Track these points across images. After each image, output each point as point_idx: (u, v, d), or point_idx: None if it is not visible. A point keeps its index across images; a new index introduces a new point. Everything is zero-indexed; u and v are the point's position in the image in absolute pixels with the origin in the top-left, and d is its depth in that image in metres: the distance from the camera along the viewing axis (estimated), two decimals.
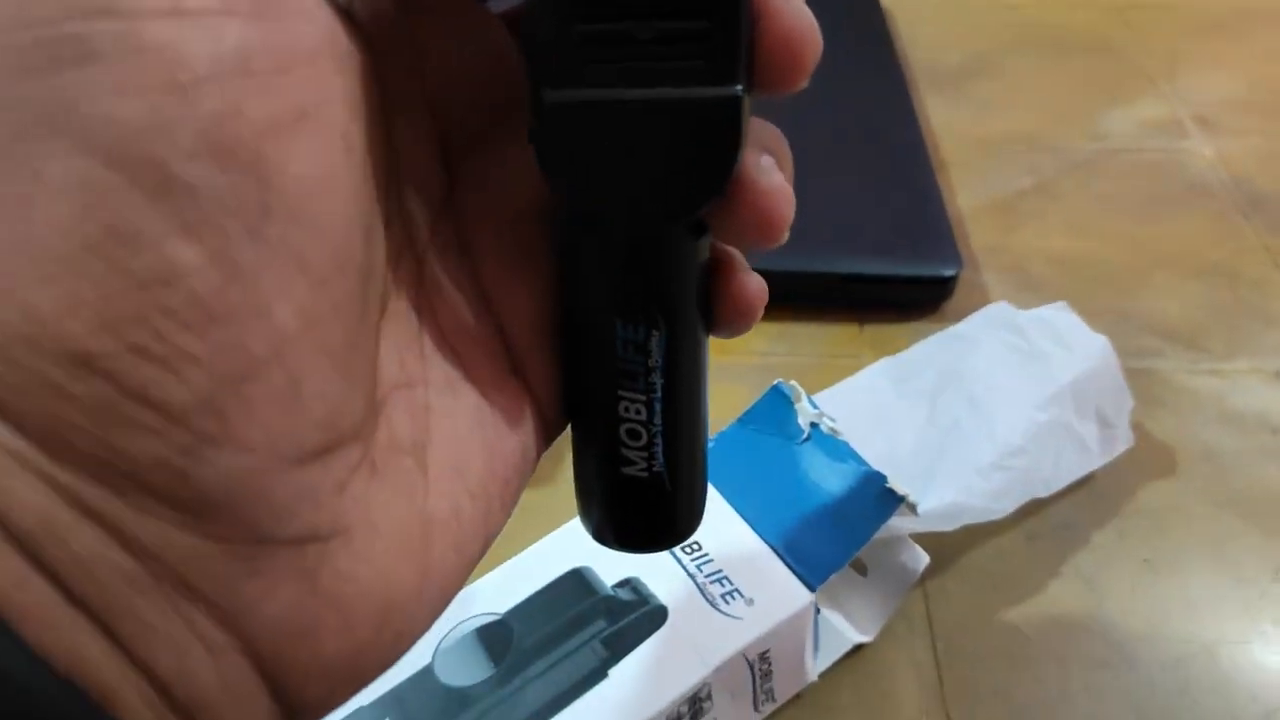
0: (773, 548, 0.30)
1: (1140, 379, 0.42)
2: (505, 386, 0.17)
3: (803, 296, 0.44)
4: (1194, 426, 0.40)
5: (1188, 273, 0.48)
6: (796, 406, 0.33)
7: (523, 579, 0.30)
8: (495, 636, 0.28)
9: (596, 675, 0.27)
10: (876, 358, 0.42)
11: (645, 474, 0.18)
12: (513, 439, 0.17)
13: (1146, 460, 0.38)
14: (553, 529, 0.31)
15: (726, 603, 0.29)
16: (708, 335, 0.18)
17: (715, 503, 0.32)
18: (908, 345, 0.41)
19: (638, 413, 0.17)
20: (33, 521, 0.11)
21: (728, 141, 0.15)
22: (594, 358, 0.17)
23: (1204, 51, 0.63)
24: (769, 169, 0.15)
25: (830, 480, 0.31)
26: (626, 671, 0.27)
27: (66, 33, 0.11)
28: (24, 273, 0.11)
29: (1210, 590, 0.35)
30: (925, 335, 0.41)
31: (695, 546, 0.30)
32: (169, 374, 0.12)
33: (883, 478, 0.31)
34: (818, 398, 0.37)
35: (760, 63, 0.15)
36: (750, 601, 0.29)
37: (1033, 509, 0.36)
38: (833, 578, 0.31)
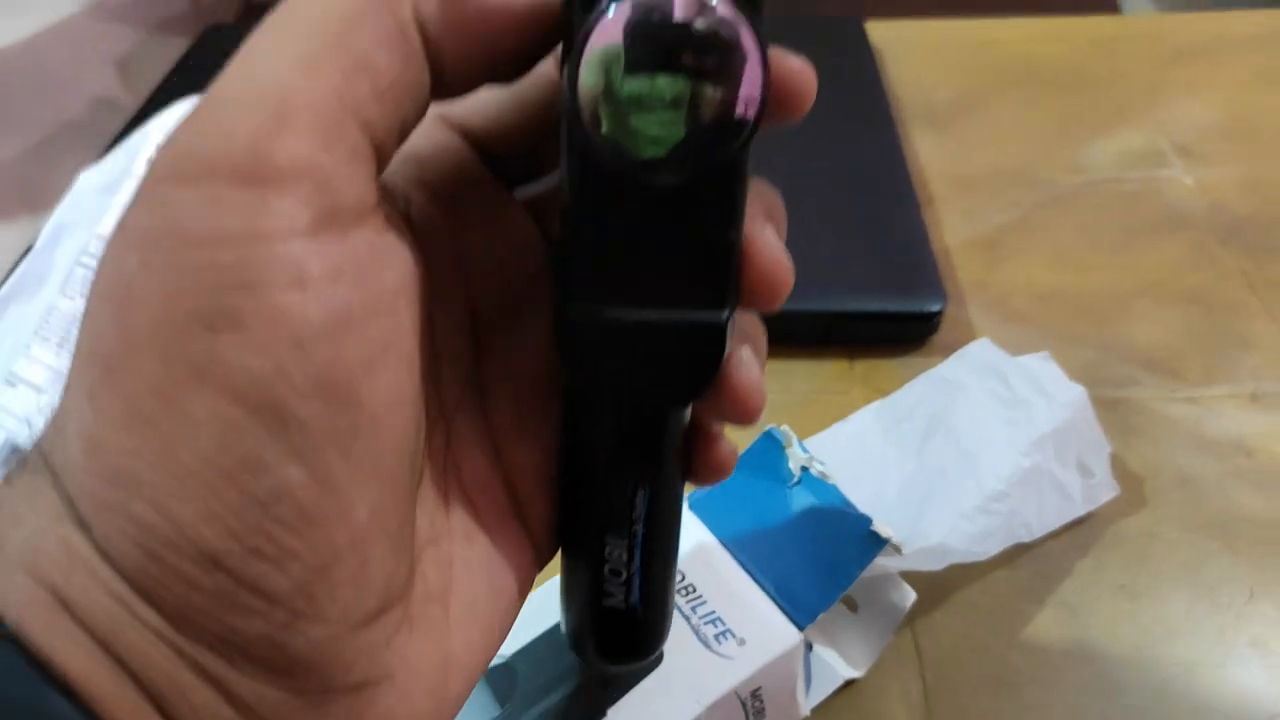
0: (764, 588, 0.32)
1: (1119, 408, 0.44)
2: (510, 531, 0.20)
3: (795, 336, 0.46)
4: (1170, 453, 0.42)
5: (1166, 300, 0.49)
6: (788, 451, 0.35)
7: (529, 623, 0.32)
8: (502, 679, 0.30)
9: (596, 714, 0.29)
10: (866, 393, 0.44)
11: (622, 606, 0.21)
12: (515, 577, 0.20)
13: (1124, 489, 0.40)
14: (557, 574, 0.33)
15: (719, 643, 0.31)
16: (683, 488, 0.21)
17: (710, 545, 0.33)
18: (896, 379, 0.42)
19: (620, 556, 0.21)
20: (164, 682, 0.14)
21: (715, 355, 0.18)
22: (587, 508, 0.21)
23: (1184, 80, 0.65)
24: (748, 363, 0.19)
25: (819, 523, 0.33)
26: (624, 711, 0.29)
27: (218, 305, 0.14)
28: (171, 490, 0.14)
29: (1187, 614, 0.37)
30: (913, 369, 0.43)
31: (690, 589, 0.32)
32: (275, 568, 0.14)
33: (868, 520, 0.33)
34: (809, 442, 0.39)
35: (745, 289, 0.18)
36: (742, 641, 0.31)
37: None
38: (825, 615, 0.32)
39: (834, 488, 0.34)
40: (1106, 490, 0.39)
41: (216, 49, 0.65)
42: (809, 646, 0.34)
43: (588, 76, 0.15)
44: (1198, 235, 0.53)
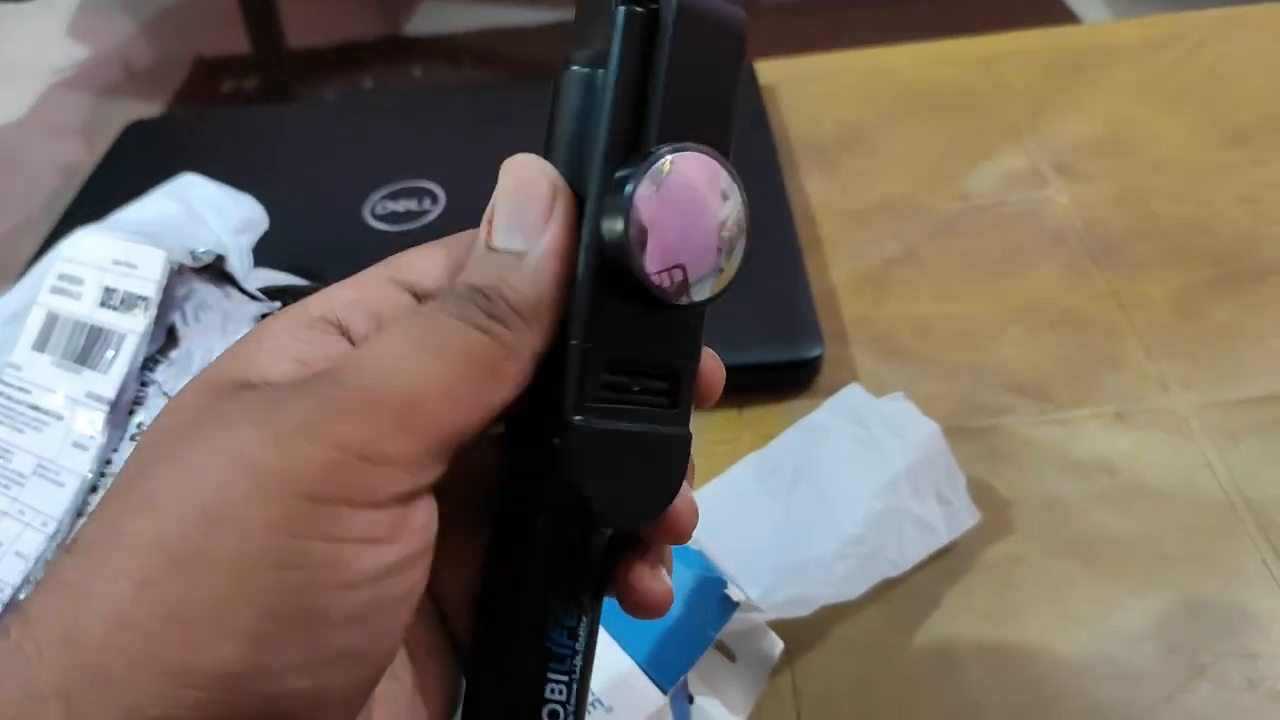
0: (630, 655, 0.35)
1: (989, 436, 0.46)
2: (437, 664, 0.22)
3: None
4: (1037, 478, 0.45)
5: (1040, 324, 0.52)
6: None
7: None
8: None
9: None
10: (754, 439, 0.47)
11: None
12: (440, 709, 0.22)
13: (990, 517, 0.42)
14: None
15: (590, 712, 0.33)
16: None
17: None
18: (783, 423, 0.45)
19: (561, 693, 0.21)
20: None
21: (682, 464, 0.21)
22: (524, 645, 0.21)
23: (1064, 95, 0.67)
24: (686, 490, 0.22)
25: (681, 587, 0.36)
26: None
27: (300, 549, 0.17)
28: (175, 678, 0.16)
29: (1047, 636, 0.39)
30: (797, 412, 0.45)
31: None
32: None
33: (722, 583, 0.35)
34: None
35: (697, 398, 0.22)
36: (610, 710, 0.33)
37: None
38: (705, 666, 0.35)
39: (696, 552, 0.36)
40: (967, 517, 0.41)
41: (138, 147, 0.67)
42: (690, 699, 0.36)
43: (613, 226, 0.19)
44: (1072, 255, 0.55)
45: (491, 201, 0.21)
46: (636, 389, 0.20)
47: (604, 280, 0.19)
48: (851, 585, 0.38)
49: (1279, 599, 0.40)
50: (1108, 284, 0.53)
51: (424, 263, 0.22)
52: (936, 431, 0.41)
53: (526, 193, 0.20)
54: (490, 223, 0.20)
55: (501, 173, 0.21)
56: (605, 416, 0.20)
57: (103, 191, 0.61)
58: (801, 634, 0.39)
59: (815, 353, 0.48)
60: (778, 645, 0.37)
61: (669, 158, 0.19)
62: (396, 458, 0.18)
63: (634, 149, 0.19)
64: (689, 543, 0.37)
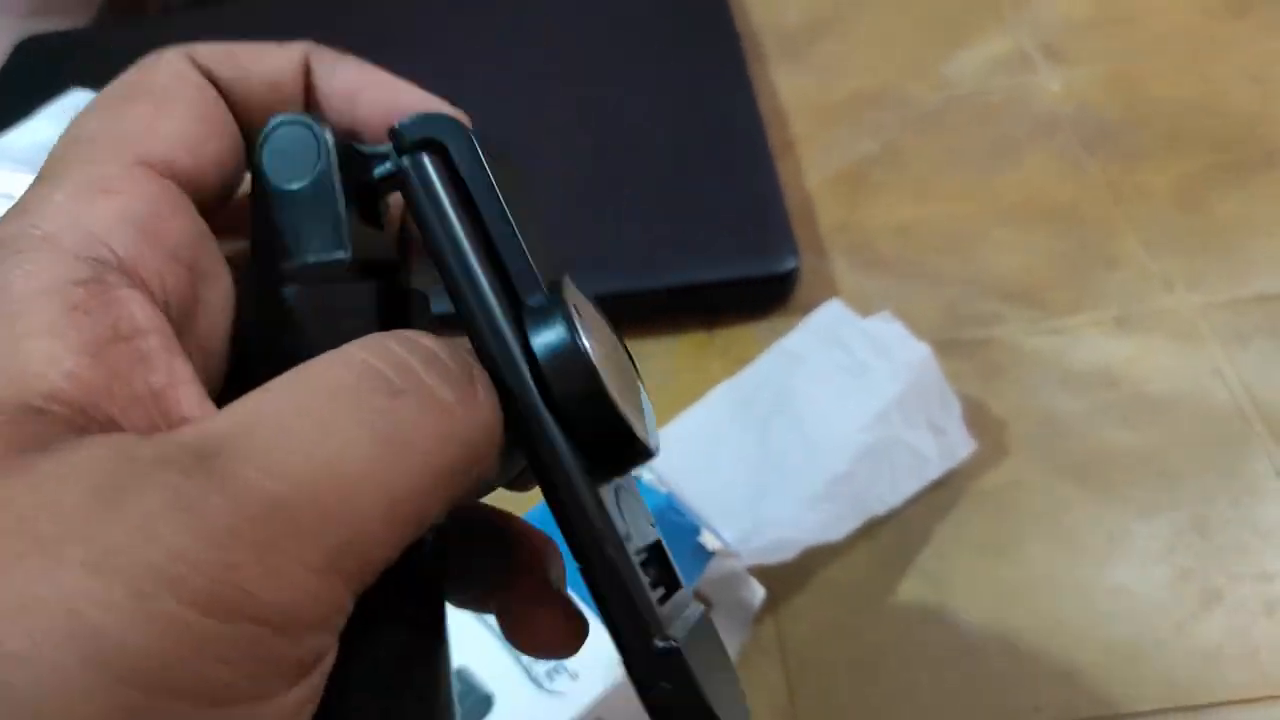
0: (596, 613, 0.31)
1: (980, 350, 0.43)
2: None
3: (641, 314, 0.44)
4: (1033, 393, 0.41)
5: (1031, 222, 0.48)
6: None
7: None
8: None
9: None
10: (727, 365, 0.43)
11: None
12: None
13: (984, 439, 0.39)
14: None
15: (551, 680, 0.30)
16: None
17: None
18: (758, 346, 0.41)
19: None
20: None
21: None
22: None
23: None
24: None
25: None
26: None
27: None
28: None
29: (1048, 568, 0.36)
30: (775, 332, 0.41)
31: None
32: None
33: (695, 530, 0.32)
34: (659, 433, 0.38)
35: None
36: (575, 676, 0.30)
37: None
38: None
39: (666, 495, 0.33)
40: (962, 446, 0.38)
41: (31, 65, 0.60)
42: None
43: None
44: (1064, 146, 0.51)
45: None
46: (655, 575, 0.17)
47: (577, 456, 0.16)
48: (838, 526, 0.35)
49: None
50: (1103, 176, 0.49)
51: (169, 125, 0.16)
52: (928, 354, 0.37)
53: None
54: None
55: None
56: (675, 622, 0.16)
57: None
58: (784, 578, 0.36)
59: (790, 265, 0.44)
60: (759, 593, 0.34)
61: (568, 291, 0.16)
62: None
63: (512, 297, 0.16)
64: (659, 485, 0.34)
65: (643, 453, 0.17)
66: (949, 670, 0.34)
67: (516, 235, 0.16)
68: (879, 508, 0.36)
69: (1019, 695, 0.33)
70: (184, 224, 0.16)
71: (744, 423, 0.37)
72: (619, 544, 0.16)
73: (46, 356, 0.13)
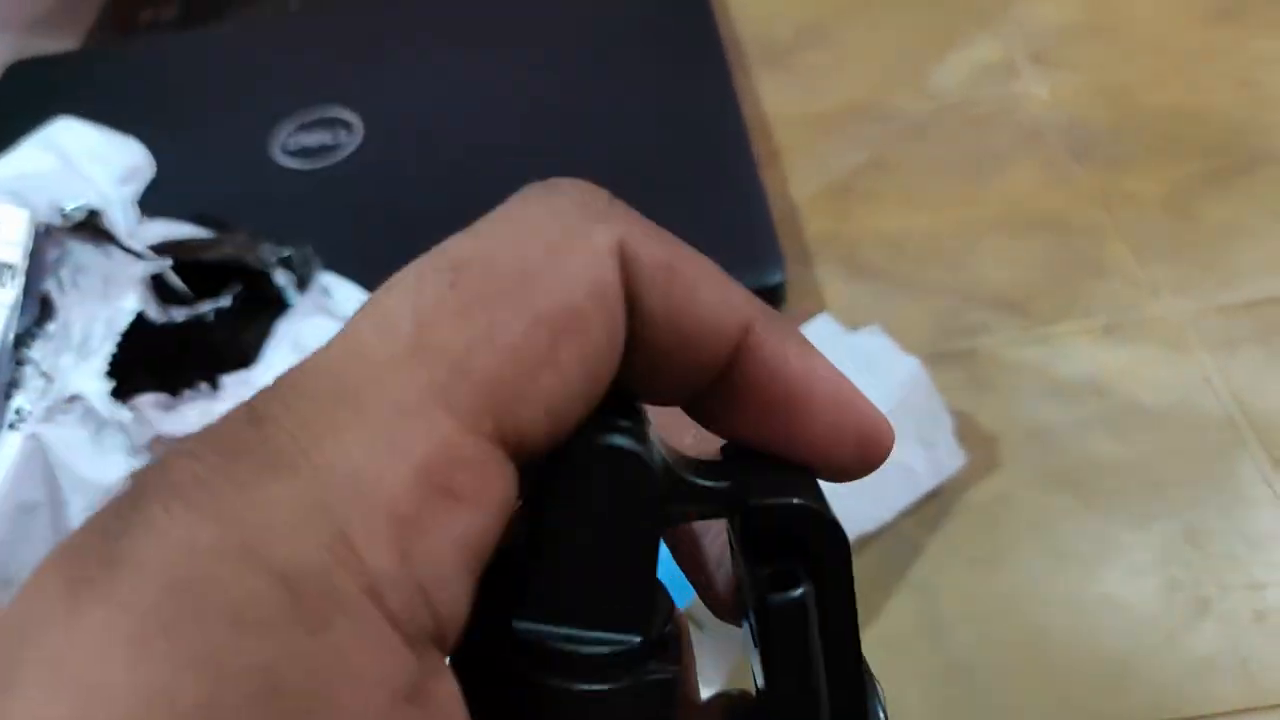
0: None
1: (968, 362, 0.43)
2: None
3: None
4: (1022, 404, 0.41)
5: (1018, 231, 0.48)
6: None
7: None
8: None
9: None
10: None
11: None
12: None
13: (974, 450, 0.39)
14: None
15: None
16: None
17: None
18: None
19: None
20: None
21: None
22: None
23: None
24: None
25: None
26: None
27: None
28: None
29: (1038, 578, 0.36)
30: None
31: None
32: None
33: None
34: None
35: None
36: None
37: None
38: None
39: None
40: (952, 460, 0.38)
41: (20, 90, 0.60)
42: None
43: None
44: (1052, 153, 0.51)
45: None
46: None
47: None
48: None
49: None
50: (1091, 184, 0.49)
51: (557, 380, 0.12)
52: (917, 368, 0.37)
53: None
54: None
55: None
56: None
57: None
58: None
59: (777, 278, 0.44)
60: None
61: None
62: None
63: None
64: None
65: None
66: (939, 685, 0.34)
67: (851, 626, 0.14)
68: (869, 525, 0.36)
69: (1009, 708, 0.33)
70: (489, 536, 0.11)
71: None
72: None
73: None
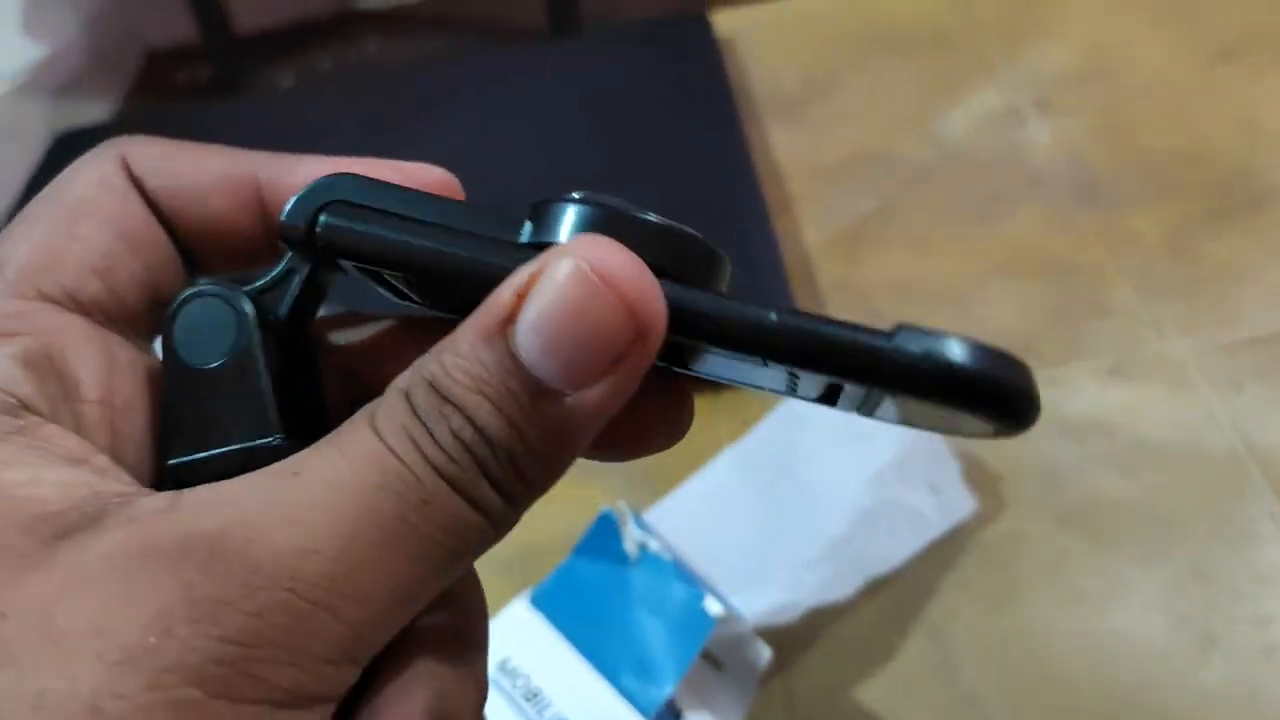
0: (609, 680, 0.33)
1: None
2: None
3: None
4: (1030, 445, 0.42)
5: (1024, 274, 0.49)
6: (623, 531, 0.35)
7: None
8: None
9: None
10: (732, 426, 0.44)
11: None
12: None
13: (983, 491, 0.40)
14: None
15: None
16: None
17: (554, 644, 0.34)
18: (761, 407, 0.42)
19: None
20: None
21: None
22: None
23: (1040, 23, 0.63)
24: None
25: (656, 603, 0.34)
26: None
27: None
28: None
29: (1048, 615, 0.37)
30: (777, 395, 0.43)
31: (537, 693, 0.33)
32: None
33: (700, 595, 0.33)
34: (664, 504, 0.39)
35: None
36: None
37: None
38: (694, 676, 0.33)
39: (670, 563, 0.34)
40: (962, 505, 0.39)
41: (67, 159, 0.63)
42: (677, 715, 0.34)
43: None
44: (1055, 197, 0.52)
45: (517, 280, 0.14)
46: None
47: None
48: (839, 587, 0.36)
49: None
50: (1094, 226, 0.50)
51: (70, 251, 0.17)
52: None
53: (595, 318, 0.14)
54: (509, 315, 0.14)
55: (565, 259, 0.14)
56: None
57: None
58: (790, 637, 0.37)
59: None
60: (765, 654, 0.35)
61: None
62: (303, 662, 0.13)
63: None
64: (664, 551, 0.35)
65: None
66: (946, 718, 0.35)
67: (465, 208, 0.16)
68: (881, 567, 0.37)
69: None
70: (88, 357, 0.16)
71: (749, 486, 0.39)
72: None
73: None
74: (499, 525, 0.14)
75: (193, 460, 0.16)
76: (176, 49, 1.37)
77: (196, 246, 0.18)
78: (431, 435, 0.14)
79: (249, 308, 0.16)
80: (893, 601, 0.38)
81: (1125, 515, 0.40)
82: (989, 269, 0.50)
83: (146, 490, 0.15)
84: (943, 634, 0.37)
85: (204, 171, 0.18)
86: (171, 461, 0.16)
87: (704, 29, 0.63)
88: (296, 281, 0.17)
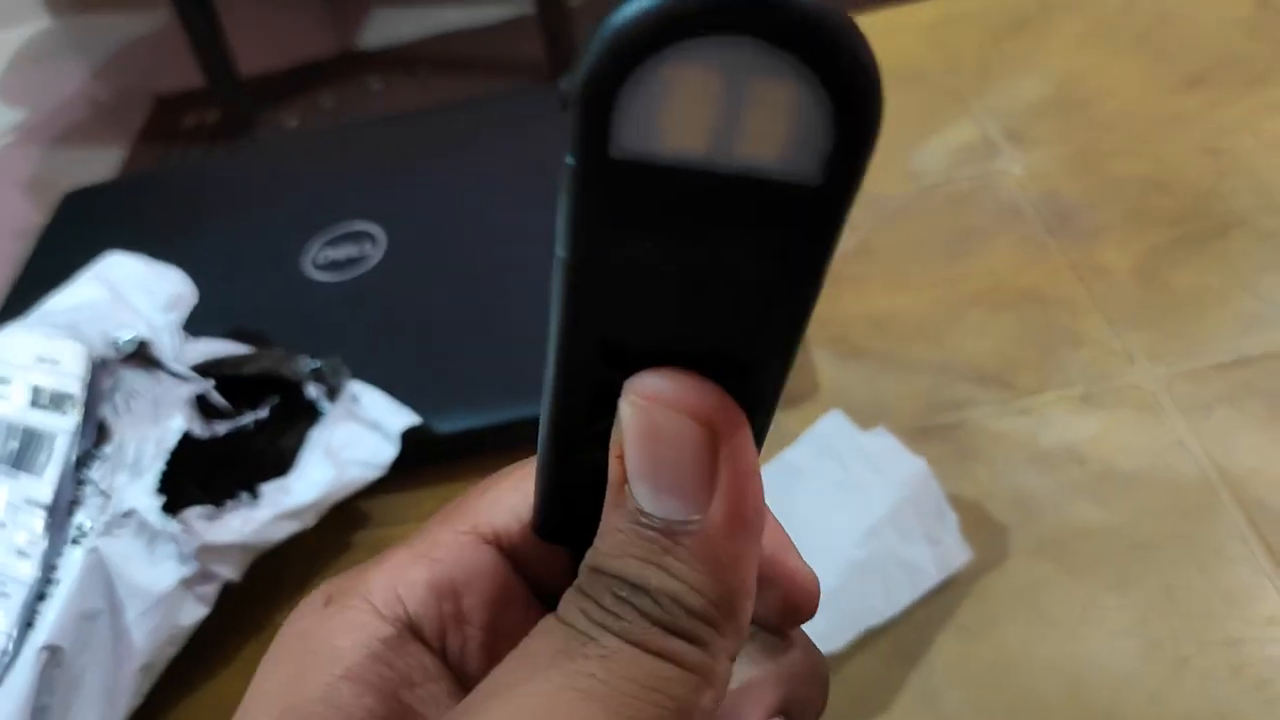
0: None
1: (953, 434, 0.45)
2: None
3: None
4: (1006, 474, 0.43)
5: (999, 306, 0.50)
6: None
7: None
8: None
9: None
10: None
11: None
12: None
13: (962, 523, 0.41)
14: None
15: None
16: None
17: None
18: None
19: None
20: None
21: None
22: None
23: (1011, 56, 0.65)
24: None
25: None
26: None
27: None
28: None
29: (1024, 646, 0.38)
30: (769, 437, 0.44)
31: None
32: None
33: None
34: None
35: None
36: None
37: None
38: None
39: None
40: (958, 555, 0.40)
41: (76, 217, 0.66)
42: None
43: None
44: (1028, 229, 0.54)
45: (618, 437, 0.15)
46: None
47: None
48: (833, 639, 0.37)
49: (1260, 577, 0.38)
50: (1065, 257, 0.52)
51: (511, 499, 0.19)
52: (923, 469, 0.40)
53: (667, 437, 0.15)
54: (619, 478, 0.15)
55: (623, 401, 0.15)
56: None
57: (44, 270, 0.60)
58: None
59: None
60: None
61: None
62: None
63: None
64: None
65: None
66: None
67: None
68: (874, 619, 0.38)
69: None
70: (488, 587, 0.18)
71: None
72: None
73: (352, 694, 0.16)
74: (703, 673, 0.15)
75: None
76: (183, 93, 1.40)
77: None
78: (596, 602, 0.15)
79: None
80: (876, 635, 0.39)
81: (1098, 541, 0.41)
82: (963, 301, 0.51)
83: None
84: (919, 663, 0.38)
85: None
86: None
87: None
88: None
